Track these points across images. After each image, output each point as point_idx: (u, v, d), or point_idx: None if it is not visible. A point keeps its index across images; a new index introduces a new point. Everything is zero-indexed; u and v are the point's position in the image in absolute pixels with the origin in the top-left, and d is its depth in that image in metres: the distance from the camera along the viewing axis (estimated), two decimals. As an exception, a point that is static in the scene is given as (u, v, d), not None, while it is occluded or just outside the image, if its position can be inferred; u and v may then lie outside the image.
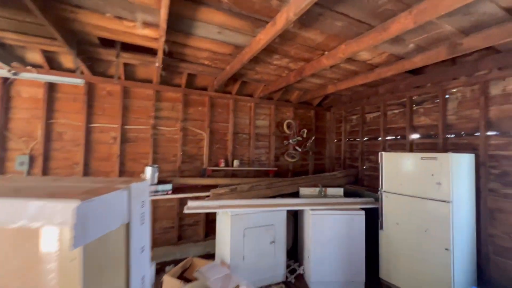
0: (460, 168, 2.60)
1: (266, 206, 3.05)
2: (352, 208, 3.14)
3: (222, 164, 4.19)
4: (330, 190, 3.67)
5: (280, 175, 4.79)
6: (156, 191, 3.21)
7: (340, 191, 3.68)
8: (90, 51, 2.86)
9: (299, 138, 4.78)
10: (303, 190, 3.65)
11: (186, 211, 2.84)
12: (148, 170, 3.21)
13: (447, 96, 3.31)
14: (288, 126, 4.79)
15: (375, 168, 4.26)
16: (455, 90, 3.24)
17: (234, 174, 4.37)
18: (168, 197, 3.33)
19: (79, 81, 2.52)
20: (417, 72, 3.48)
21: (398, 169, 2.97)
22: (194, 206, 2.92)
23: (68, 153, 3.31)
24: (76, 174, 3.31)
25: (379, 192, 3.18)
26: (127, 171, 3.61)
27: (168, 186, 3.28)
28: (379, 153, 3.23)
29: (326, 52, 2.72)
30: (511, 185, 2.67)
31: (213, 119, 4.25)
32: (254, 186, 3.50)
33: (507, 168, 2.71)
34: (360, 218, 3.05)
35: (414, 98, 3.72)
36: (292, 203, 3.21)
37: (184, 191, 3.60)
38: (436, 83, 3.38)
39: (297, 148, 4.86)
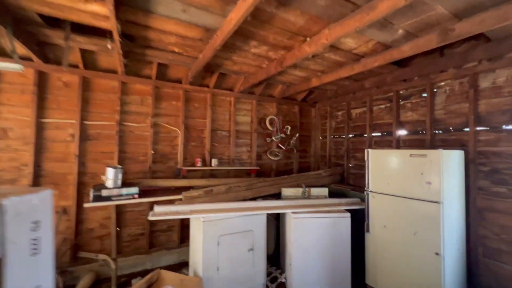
0: (450, 166, 2.42)
1: (244, 209, 2.76)
2: (337, 210, 2.90)
3: (199, 164, 3.85)
4: (314, 191, 3.43)
5: (263, 175, 4.51)
6: (120, 195, 2.83)
7: (325, 191, 3.45)
8: (35, 32, 2.44)
9: (283, 135, 4.52)
10: (286, 191, 3.39)
11: (150, 217, 2.49)
12: (110, 172, 2.82)
13: (435, 90, 3.15)
14: (271, 122, 4.52)
15: (361, 166, 4.08)
16: (443, 83, 3.07)
17: (212, 175, 4.04)
18: (135, 202, 2.95)
19: (16, 67, 2.10)
20: (404, 64, 3.29)
21: (385, 167, 2.76)
22: (161, 212, 2.58)
23: (15, 153, 2.86)
24: (25, 177, 2.87)
25: (365, 192, 2.96)
26: (88, 173, 3.20)
27: (134, 189, 2.91)
28: (365, 150, 3.01)
29: (308, 38, 2.45)
30: (500, 183, 2.52)
31: (188, 115, 3.90)
32: (232, 187, 3.20)
33: (496, 165, 2.56)
34: (345, 221, 2.82)
35: (401, 92, 3.55)
36: (273, 206, 2.94)
37: (155, 194, 3.24)
38: (424, 76, 3.21)
39: (280, 146, 4.59)
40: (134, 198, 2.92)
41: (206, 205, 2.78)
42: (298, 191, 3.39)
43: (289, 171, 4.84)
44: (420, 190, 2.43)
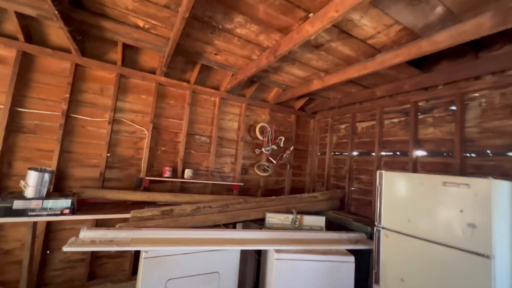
0: (502, 203, 1.70)
1: (209, 242, 1.99)
2: (336, 251, 2.14)
3: (167, 174, 3.10)
4: (308, 219, 2.68)
5: (248, 193, 3.75)
6: (42, 209, 2.06)
7: (321, 221, 2.70)
8: None
9: (274, 147, 3.81)
10: (271, 218, 2.63)
11: (66, 248, 1.70)
12: (31, 176, 2.07)
13: (466, 102, 2.50)
14: (262, 131, 3.83)
15: (366, 191, 3.35)
16: (477, 94, 2.43)
17: (184, 188, 3.28)
18: (63, 219, 2.18)
19: None
20: (427, 69, 2.67)
21: (405, 197, 2.04)
22: (88, 240, 1.80)
23: None
24: None
25: (375, 229, 2.22)
26: (14, 176, 2.44)
27: (65, 202, 2.15)
28: (378, 172, 2.30)
29: (311, 14, 1.81)
30: None
31: (160, 113, 3.20)
32: (201, 208, 2.44)
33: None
34: (347, 268, 2.06)
35: (421, 104, 2.90)
36: (251, 239, 2.17)
37: (101, 209, 2.47)
38: (452, 83, 2.58)
39: (271, 159, 3.87)
40: (63, 214, 2.15)
41: (157, 231, 2.01)
42: (288, 218, 2.64)
43: (279, 191, 4.08)
44: (457, 235, 1.70)
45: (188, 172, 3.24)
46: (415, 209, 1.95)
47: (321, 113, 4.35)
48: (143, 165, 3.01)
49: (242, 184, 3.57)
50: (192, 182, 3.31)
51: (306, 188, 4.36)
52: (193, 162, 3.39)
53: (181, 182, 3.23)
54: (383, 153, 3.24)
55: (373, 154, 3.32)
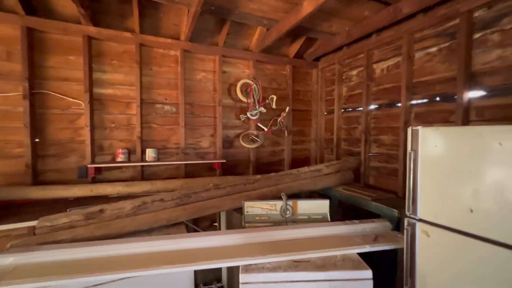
0: None
1: (139, 263, 1.29)
2: (343, 262, 1.36)
3: (121, 157, 2.40)
4: (305, 205, 1.88)
5: (235, 171, 3.00)
6: None
7: (324, 206, 1.89)
8: None
9: (263, 109, 2.92)
10: (252, 207, 1.87)
11: None
12: None
13: None
14: (245, 90, 2.92)
15: (390, 157, 2.45)
16: None
17: (149, 174, 2.59)
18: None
19: None
20: None
21: (461, 169, 1.14)
22: None
23: None
24: None
25: (406, 222, 1.38)
26: None
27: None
28: (410, 129, 1.38)
29: None
30: None
31: (101, 79, 2.40)
32: (147, 203, 1.73)
33: None
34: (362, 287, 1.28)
35: (478, 13, 1.80)
36: (211, 248, 1.44)
37: (22, 214, 1.86)
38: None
39: (260, 126, 3.02)
40: (-48, 228, 1.54)
41: (65, 250, 1.34)
42: (275, 206, 1.87)
43: (278, 164, 3.29)
44: None
45: (150, 153, 2.52)
46: (481, 191, 1.06)
47: (325, 59, 3.29)
48: (87, 149, 2.31)
49: (224, 161, 2.80)
50: (158, 165, 2.60)
51: (312, 158, 3.51)
52: (157, 139, 2.64)
53: (143, 166, 2.53)
54: (413, 102, 2.24)
55: (399, 104, 2.34)
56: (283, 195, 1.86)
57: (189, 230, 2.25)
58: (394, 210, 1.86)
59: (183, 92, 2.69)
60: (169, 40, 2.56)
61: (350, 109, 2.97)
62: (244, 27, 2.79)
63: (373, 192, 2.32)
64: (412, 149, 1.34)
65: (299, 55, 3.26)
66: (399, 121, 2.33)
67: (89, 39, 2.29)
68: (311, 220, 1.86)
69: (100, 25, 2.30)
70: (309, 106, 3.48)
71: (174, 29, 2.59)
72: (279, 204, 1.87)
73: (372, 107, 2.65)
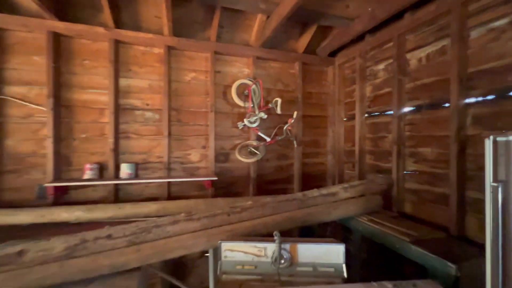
0: None
1: None
2: None
3: (90, 174, 2.00)
4: (308, 251, 1.29)
5: (231, 189, 2.48)
6: None
7: (337, 253, 1.27)
8: None
9: (263, 115, 2.38)
10: (233, 250, 1.31)
11: None
12: None
13: None
14: (242, 92, 2.43)
15: (434, 177, 1.77)
16: None
17: (123, 194, 2.17)
18: None
19: None
20: None
21: None
22: None
23: None
24: None
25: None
26: None
27: None
28: (487, 140, 0.75)
29: None
30: None
31: (68, 81, 2.06)
32: (87, 242, 1.26)
33: None
34: None
35: None
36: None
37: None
38: None
39: (261, 135, 2.47)
40: None
41: None
42: (265, 250, 1.30)
43: (285, 181, 2.70)
44: None
45: (125, 168, 2.09)
46: None
47: (343, 53, 2.69)
48: (48, 164, 1.95)
49: (215, 178, 2.28)
50: (135, 183, 2.17)
51: (329, 174, 2.87)
52: (136, 151, 2.22)
53: (116, 184, 2.11)
54: (470, 100, 1.56)
55: (447, 105, 1.67)
56: (276, 235, 1.28)
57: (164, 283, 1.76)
58: (450, 265, 1.20)
59: (168, 96, 2.26)
60: (151, 35, 2.17)
61: (376, 113, 2.32)
62: (241, 17, 2.33)
63: (411, 226, 1.65)
64: (497, 180, 0.71)
65: (310, 49, 2.70)
66: (447, 128, 1.65)
67: (56, 36, 1.96)
68: (317, 275, 1.25)
69: (68, 19, 1.98)
70: (324, 111, 2.88)
71: (157, 22, 2.20)
72: (270, 247, 1.29)
73: (407, 109, 1.99)
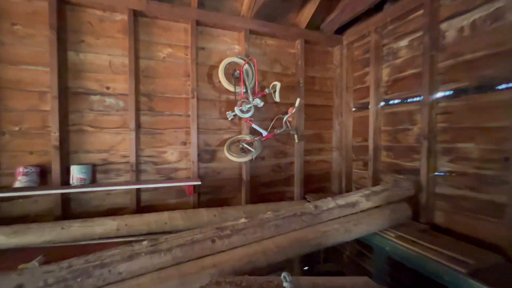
0: None
1: None
2: None
3: (23, 180, 1.47)
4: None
5: (218, 195, 2.01)
6: None
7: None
8: None
9: (258, 102, 1.90)
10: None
11: None
12: None
13: None
14: (233, 73, 1.93)
15: (483, 180, 1.36)
16: None
17: (76, 205, 1.65)
18: None
19: None
20: None
21: None
22: None
23: None
24: None
25: None
26: None
27: None
28: None
29: None
30: None
31: (-7, 53, 1.50)
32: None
33: None
34: None
35: None
36: None
37: None
38: None
39: (256, 128, 2.00)
40: None
41: None
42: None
43: (284, 183, 2.26)
44: None
45: (75, 172, 1.57)
46: None
47: (353, 29, 2.24)
48: (-38, 168, 1.40)
49: (199, 183, 1.80)
50: (90, 191, 1.65)
51: (334, 174, 2.45)
52: (93, 148, 1.70)
53: (65, 194, 1.59)
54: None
55: (501, 87, 1.26)
56: (285, 278, 0.83)
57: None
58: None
59: (136, 77, 1.74)
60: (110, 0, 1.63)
61: (396, 101, 1.90)
62: (230, -24, 1.82)
63: (454, 245, 1.25)
64: None
65: (313, 25, 2.24)
66: (502, 117, 1.25)
67: (-33, -13, 1.40)
68: None
69: (-14, -35, 1.41)
70: (329, 99, 2.44)
71: (117, -22, 1.66)
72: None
73: (441, 94, 1.58)
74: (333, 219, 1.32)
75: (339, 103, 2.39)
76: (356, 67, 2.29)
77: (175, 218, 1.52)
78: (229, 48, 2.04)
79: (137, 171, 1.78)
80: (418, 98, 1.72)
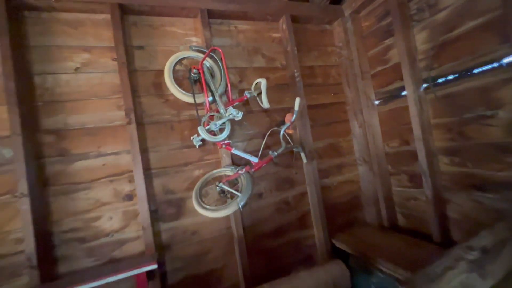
0: None
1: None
2: None
3: None
4: None
5: (197, 271, 1.23)
6: None
7: None
8: None
9: (234, 113, 1.18)
10: None
11: None
12: None
13: None
14: (190, 76, 1.23)
15: None
16: None
17: None
18: None
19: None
20: None
21: None
22: None
23: None
24: None
25: None
26: None
27: None
28: None
29: None
30: None
31: None
32: None
33: None
34: None
35: None
36: None
37: None
38: None
39: (239, 153, 1.26)
40: None
41: None
42: None
43: (296, 227, 1.50)
44: None
45: None
46: None
47: (357, -9, 1.59)
48: None
49: (155, 266, 1.04)
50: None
51: (365, 198, 1.70)
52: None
53: None
54: None
55: None
56: None
57: None
58: None
59: (26, 104, 1.03)
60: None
61: (451, 77, 1.20)
62: None
63: None
64: None
65: (300, -5, 1.58)
66: None
67: None
68: None
69: None
70: (340, 94, 1.74)
71: None
72: None
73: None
74: None
75: (354, 97, 1.69)
76: (370, 43, 1.61)
77: None
78: (183, 42, 1.36)
79: (47, 263, 1.02)
80: (496, 64, 1.03)
